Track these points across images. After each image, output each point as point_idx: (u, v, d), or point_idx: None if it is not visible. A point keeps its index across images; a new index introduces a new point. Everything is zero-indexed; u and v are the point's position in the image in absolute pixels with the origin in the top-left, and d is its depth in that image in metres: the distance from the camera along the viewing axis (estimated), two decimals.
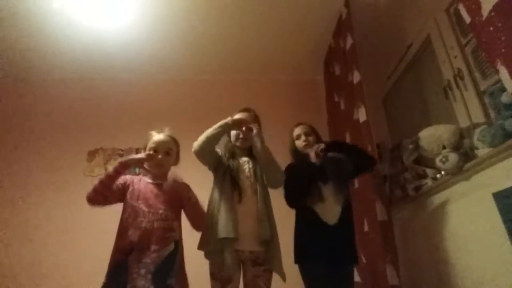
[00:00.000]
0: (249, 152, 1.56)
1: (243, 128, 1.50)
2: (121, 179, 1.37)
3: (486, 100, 1.54)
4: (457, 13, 1.69)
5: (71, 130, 2.75)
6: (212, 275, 1.35)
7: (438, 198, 1.66)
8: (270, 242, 1.37)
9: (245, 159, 1.54)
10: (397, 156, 1.99)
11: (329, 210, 1.50)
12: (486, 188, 1.31)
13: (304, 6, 2.32)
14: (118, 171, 1.31)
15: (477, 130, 1.39)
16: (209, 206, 1.48)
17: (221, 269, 1.29)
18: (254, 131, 1.43)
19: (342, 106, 2.31)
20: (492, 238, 1.28)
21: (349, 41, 2.12)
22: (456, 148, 1.52)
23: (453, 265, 1.51)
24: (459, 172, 1.47)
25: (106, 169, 2.60)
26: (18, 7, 2.21)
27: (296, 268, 1.50)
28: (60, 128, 2.75)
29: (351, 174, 1.62)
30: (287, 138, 1.76)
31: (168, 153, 1.43)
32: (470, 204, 1.42)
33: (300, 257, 1.50)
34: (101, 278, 1.25)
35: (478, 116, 1.57)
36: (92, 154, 2.68)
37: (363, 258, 1.86)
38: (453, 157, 1.47)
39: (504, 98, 1.28)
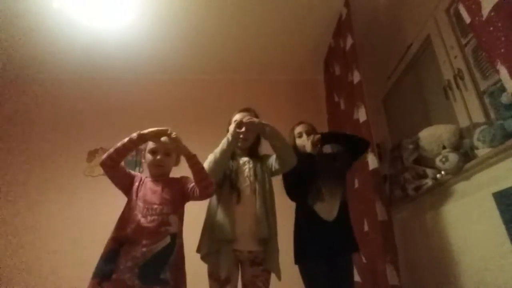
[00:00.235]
0: (250, 152, 1.57)
1: (243, 129, 1.50)
2: (133, 172, 1.42)
3: (486, 100, 1.54)
4: (457, 13, 1.69)
5: (71, 130, 2.75)
6: (211, 275, 1.35)
7: (438, 198, 1.66)
8: (268, 241, 1.37)
9: (245, 159, 1.54)
10: (397, 156, 1.99)
11: (328, 207, 1.52)
12: (486, 188, 1.31)
13: (304, 6, 2.32)
14: (134, 142, 1.30)
15: (477, 130, 1.39)
16: (209, 208, 1.48)
17: (219, 270, 1.29)
18: (256, 122, 1.43)
19: (342, 106, 2.31)
20: (492, 238, 1.28)
21: (349, 41, 2.12)
22: (456, 148, 1.52)
23: (453, 265, 1.51)
24: (459, 172, 1.46)
25: None
26: (18, 7, 2.21)
27: (295, 268, 1.50)
28: (60, 128, 2.75)
29: (347, 165, 1.66)
30: (287, 138, 1.76)
31: (168, 153, 1.43)
32: (470, 204, 1.42)
33: (299, 257, 1.51)
34: None
35: (478, 116, 1.57)
36: (92, 154, 2.69)
37: (363, 258, 1.86)
38: (453, 157, 1.47)
39: (504, 98, 1.28)
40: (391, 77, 2.45)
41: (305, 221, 1.55)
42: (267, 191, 1.47)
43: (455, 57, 1.74)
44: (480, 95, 1.59)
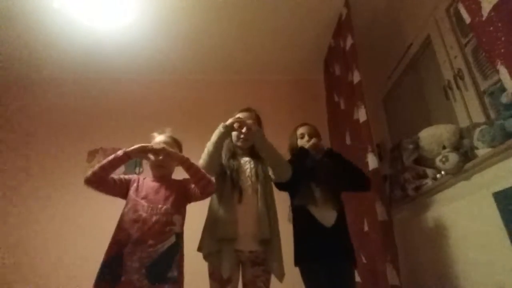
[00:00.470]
0: (251, 152, 1.57)
1: (243, 129, 1.50)
2: (126, 177, 1.41)
3: (486, 100, 1.54)
4: (457, 13, 1.69)
5: (71, 130, 2.75)
6: (211, 275, 1.36)
7: (438, 198, 1.66)
8: (269, 241, 1.36)
9: (246, 159, 1.54)
10: (397, 156, 1.99)
11: (325, 213, 1.51)
12: (486, 188, 1.31)
13: (304, 6, 2.32)
14: (120, 159, 1.31)
15: (477, 130, 1.39)
16: (210, 207, 1.48)
17: (220, 270, 1.29)
18: (252, 129, 1.43)
19: (342, 106, 2.31)
20: (492, 238, 1.28)
21: (349, 41, 2.12)
22: (456, 148, 1.52)
23: (453, 265, 1.51)
24: (459, 172, 1.46)
25: None
26: (18, 7, 2.21)
27: (296, 269, 1.50)
28: (60, 128, 2.75)
29: (342, 185, 1.63)
30: (287, 138, 1.77)
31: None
32: (470, 204, 1.42)
33: (299, 259, 1.50)
34: None
35: (478, 116, 1.57)
36: (92, 154, 2.68)
37: (363, 258, 1.86)
38: (453, 157, 1.47)
39: (504, 98, 1.28)
40: (391, 77, 2.45)
41: (303, 223, 1.54)
42: (268, 192, 1.48)
43: (455, 57, 1.74)
44: (480, 95, 1.59)
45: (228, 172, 1.46)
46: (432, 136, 1.63)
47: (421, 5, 2.03)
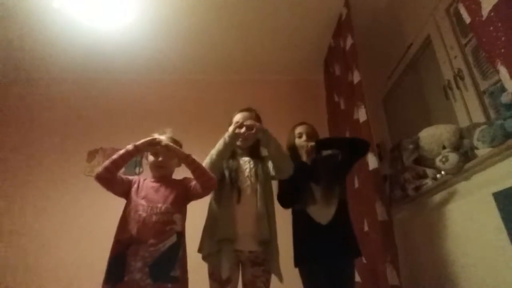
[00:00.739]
0: (251, 152, 1.56)
1: (243, 129, 1.50)
2: (130, 177, 1.42)
3: (486, 100, 1.53)
4: (457, 13, 1.69)
5: (71, 130, 2.75)
6: (211, 275, 1.36)
7: (438, 198, 1.66)
8: (269, 242, 1.36)
9: (246, 159, 1.54)
10: (397, 156, 1.99)
11: (321, 211, 1.50)
12: (486, 188, 1.30)
13: (304, 6, 2.32)
14: (130, 153, 1.32)
15: (477, 130, 1.39)
16: (209, 207, 1.48)
17: (220, 270, 1.29)
18: (254, 130, 1.42)
19: (342, 106, 2.31)
20: (492, 238, 1.28)
21: (349, 41, 2.12)
22: (456, 148, 1.52)
23: (453, 265, 1.51)
24: (459, 172, 1.46)
25: None
26: (18, 7, 2.21)
27: (295, 270, 1.50)
28: (60, 128, 2.75)
29: (345, 167, 1.63)
30: (287, 137, 1.76)
31: (169, 155, 1.44)
32: (470, 204, 1.42)
33: (298, 260, 1.50)
34: (100, 278, 1.25)
35: (478, 116, 1.57)
36: (92, 154, 2.69)
37: (363, 258, 1.86)
38: (453, 157, 1.47)
39: (504, 98, 1.28)
40: (391, 77, 2.45)
41: (300, 224, 1.54)
42: (268, 192, 1.47)
43: (455, 57, 1.74)
44: (480, 95, 1.59)
45: (227, 172, 1.46)
46: (432, 136, 1.62)
47: (421, 5, 2.03)
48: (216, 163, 1.41)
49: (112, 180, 1.32)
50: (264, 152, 1.60)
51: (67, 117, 2.79)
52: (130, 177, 1.43)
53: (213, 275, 1.34)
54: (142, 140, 1.33)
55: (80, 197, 2.48)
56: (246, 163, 1.51)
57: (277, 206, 1.52)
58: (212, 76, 3.02)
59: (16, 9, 2.22)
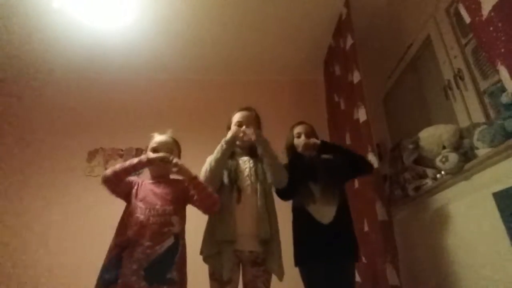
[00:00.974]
0: (250, 151, 1.56)
1: (243, 127, 1.50)
2: (131, 178, 1.42)
3: (486, 100, 1.54)
4: (457, 13, 1.69)
5: (71, 130, 2.75)
6: (212, 275, 1.35)
7: (438, 198, 1.66)
8: (269, 241, 1.36)
9: (245, 158, 1.53)
10: (397, 156, 1.99)
11: (322, 210, 1.50)
12: (486, 188, 1.30)
13: (304, 6, 2.32)
14: (143, 165, 1.34)
15: (477, 130, 1.39)
16: None
17: (221, 271, 1.29)
18: (253, 138, 1.42)
19: (342, 106, 2.31)
20: (492, 238, 1.28)
21: (349, 41, 2.12)
22: (456, 148, 1.52)
23: (453, 265, 1.51)
24: (459, 172, 1.46)
25: (106, 169, 2.60)
26: (18, 7, 2.21)
27: (296, 268, 1.50)
28: (60, 128, 2.75)
29: (344, 175, 1.63)
30: (286, 137, 1.76)
31: (169, 152, 1.44)
32: (470, 204, 1.42)
33: (298, 260, 1.50)
34: None
35: (478, 116, 1.57)
36: (92, 154, 2.69)
37: (363, 258, 1.86)
38: (453, 157, 1.47)
39: (504, 98, 1.28)
40: (391, 77, 2.46)
41: (301, 223, 1.54)
42: (268, 191, 1.47)
43: (455, 57, 1.74)
44: (480, 95, 1.59)
45: (227, 172, 1.45)
46: (432, 136, 1.62)
47: (421, 5, 2.03)
48: (215, 171, 1.41)
49: (118, 185, 1.33)
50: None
51: (67, 116, 2.79)
52: (131, 179, 1.42)
53: (214, 275, 1.34)
54: (156, 155, 1.35)
55: (80, 197, 2.48)
56: (245, 163, 1.51)
57: (277, 205, 1.51)
58: (212, 76, 3.02)
59: (16, 9, 2.22)
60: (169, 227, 1.29)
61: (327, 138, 2.45)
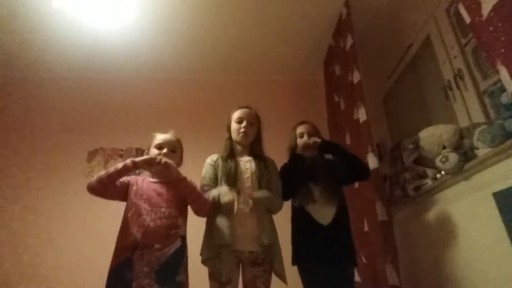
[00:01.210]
0: (251, 149, 1.55)
1: (244, 123, 1.49)
2: (125, 178, 1.40)
3: (486, 100, 1.54)
4: (457, 13, 1.69)
5: (71, 130, 2.75)
6: (211, 275, 1.35)
7: (438, 198, 1.66)
8: (270, 245, 1.36)
9: (245, 159, 1.51)
10: (397, 156, 1.99)
11: (322, 211, 1.50)
12: (486, 188, 1.30)
13: (304, 6, 2.32)
14: (128, 169, 1.30)
15: (477, 130, 1.39)
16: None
17: (219, 272, 1.29)
18: (250, 204, 1.37)
19: (342, 106, 2.31)
20: (492, 238, 1.28)
21: (349, 41, 2.12)
22: (456, 148, 1.52)
23: (453, 265, 1.51)
24: (459, 172, 1.46)
25: (106, 169, 2.60)
26: (18, 7, 2.21)
27: (295, 268, 1.50)
28: (60, 128, 2.75)
29: (342, 178, 1.62)
30: (287, 138, 1.76)
31: (173, 150, 1.45)
32: (470, 204, 1.42)
33: (297, 258, 1.50)
34: (101, 278, 1.25)
35: (478, 116, 1.57)
36: (92, 154, 2.69)
37: (363, 258, 1.86)
38: (453, 157, 1.47)
39: (504, 98, 1.28)
40: (391, 77, 2.46)
41: (300, 223, 1.54)
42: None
43: (455, 57, 1.74)
44: (480, 95, 1.59)
45: (226, 173, 1.43)
46: (432, 136, 1.62)
47: (421, 5, 2.03)
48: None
49: (105, 192, 1.31)
50: (265, 151, 1.60)
51: (67, 117, 2.80)
52: (127, 179, 1.41)
53: (213, 275, 1.34)
54: (141, 158, 1.32)
55: (80, 197, 2.48)
56: (246, 164, 1.49)
57: None
58: (212, 76, 3.02)
59: (16, 9, 2.22)
60: (176, 229, 1.30)
61: (327, 138, 2.45)
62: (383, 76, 2.54)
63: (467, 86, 1.66)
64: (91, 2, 2.20)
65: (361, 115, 1.94)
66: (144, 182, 1.41)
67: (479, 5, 1.21)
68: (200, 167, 1.53)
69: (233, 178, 1.41)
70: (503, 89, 1.30)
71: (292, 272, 1.46)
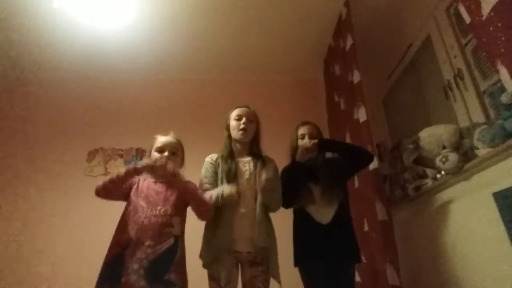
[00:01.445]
0: (250, 149, 1.54)
1: (243, 120, 1.49)
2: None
3: (486, 100, 1.54)
4: (457, 13, 1.69)
5: (71, 130, 2.75)
6: (210, 276, 1.35)
7: (438, 198, 1.66)
8: (267, 247, 1.37)
9: (245, 159, 1.51)
10: (397, 156, 1.99)
11: (322, 211, 1.50)
12: (486, 188, 1.30)
13: (304, 6, 2.32)
14: (131, 175, 1.35)
15: (477, 130, 1.39)
16: None
17: (218, 275, 1.29)
18: (263, 183, 1.37)
19: (342, 106, 2.31)
20: (492, 238, 1.28)
21: (349, 41, 2.12)
22: (456, 148, 1.52)
23: (453, 265, 1.51)
24: (459, 172, 1.46)
25: (106, 169, 2.61)
26: (18, 7, 2.21)
27: (294, 270, 1.50)
28: (60, 128, 2.75)
29: (345, 172, 1.62)
30: (287, 138, 1.76)
31: (174, 152, 1.46)
32: (470, 204, 1.42)
33: (297, 259, 1.50)
34: None
35: (478, 116, 1.58)
36: (92, 154, 2.69)
37: (363, 258, 1.86)
38: (453, 157, 1.47)
39: (504, 98, 1.28)
40: (391, 77, 2.46)
41: (301, 223, 1.54)
42: None
43: (455, 57, 1.74)
44: (480, 95, 1.59)
45: (226, 174, 1.43)
46: (432, 136, 1.62)
47: (421, 5, 2.03)
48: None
49: (110, 196, 1.36)
50: (266, 151, 1.60)
51: (67, 117, 2.79)
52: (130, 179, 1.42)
53: (213, 275, 1.34)
54: (143, 164, 1.34)
55: (80, 197, 2.48)
56: (245, 165, 1.49)
57: None
58: (212, 76, 3.02)
59: (16, 9, 2.22)
60: (169, 228, 1.30)
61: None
62: (383, 76, 2.54)
63: (467, 86, 1.66)
64: (91, 2, 2.20)
65: (361, 115, 1.94)
66: (145, 182, 1.42)
67: (479, 5, 1.21)
68: (199, 167, 1.52)
69: (233, 179, 1.41)
70: (503, 89, 1.30)
71: (291, 273, 1.46)
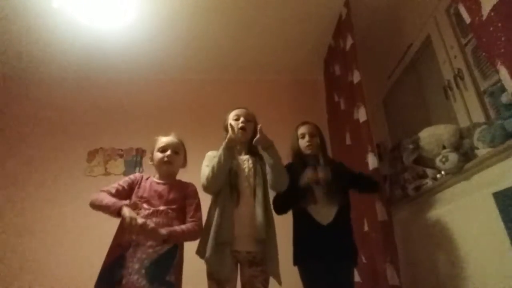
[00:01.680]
0: (249, 147, 1.55)
1: (241, 119, 1.49)
2: (128, 179, 1.42)
3: (486, 100, 1.54)
4: (457, 13, 1.69)
5: (71, 130, 2.75)
6: (210, 275, 1.35)
7: (438, 198, 1.66)
8: (266, 242, 1.36)
9: (244, 157, 1.52)
10: (397, 156, 1.99)
11: (323, 211, 1.50)
12: (486, 188, 1.30)
13: (304, 6, 2.32)
14: (113, 214, 1.26)
15: (477, 130, 1.39)
16: (209, 210, 1.47)
17: (218, 272, 1.29)
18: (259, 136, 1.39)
19: (342, 106, 2.31)
20: (492, 238, 1.27)
21: (349, 41, 2.12)
22: (456, 148, 1.52)
23: (453, 265, 1.51)
24: (459, 172, 1.46)
25: (106, 169, 2.61)
26: (17, 7, 2.21)
27: (294, 269, 1.50)
28: (60, 128, 2.75)
29: (346, 185, 1.65)
30: (287, 138, 1.76)
31: (176, 152, 1.46)
32: (470, 204, 1.42)
33: (297, 258, 1.50)
34: None
35: (478, 116, 1.57)
36: (92, 154, 2.69)
37: (363, 258, 1.86)
38: (453, 157, 1.47)
39: (504, 98, 1.28)
40: (391, 77, 2.46)
41: (301, 223, 1.54)
42: (266, 192, 1.47)
43: (455, 57, 1.74)
44: (480, 95, 1.59)
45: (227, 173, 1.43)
46: (432, 136, 1.62)
47: (421, 5, 2.03)
48: (218, 176, 1.37)
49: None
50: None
51: (67, 117, 2.79)
52: (130, 179, 1.42)
53: (212, 275, 1.34)
54: (128, 216, 1.18)
55: (80, 197, 2.47)
56: (244, 162, 1.50)
57: None
58: (212, 76, 3.02)
59: (15, 9, 2.22)
60: None
61: (327, 138, 2.45)
62: (383, 76, 2.54)
63: (467, 86, 1.66)
64: (91, 2, 2.20)
65: (361, 115, 1.94)
66: (148, 182, 1.42)
67: (479, 5, 1.21)
68: (199, 167, 1.52)
69: (233, 178, 1.42)
70: (503, 89, 1.30)
71: (291, 273, 1.46)
